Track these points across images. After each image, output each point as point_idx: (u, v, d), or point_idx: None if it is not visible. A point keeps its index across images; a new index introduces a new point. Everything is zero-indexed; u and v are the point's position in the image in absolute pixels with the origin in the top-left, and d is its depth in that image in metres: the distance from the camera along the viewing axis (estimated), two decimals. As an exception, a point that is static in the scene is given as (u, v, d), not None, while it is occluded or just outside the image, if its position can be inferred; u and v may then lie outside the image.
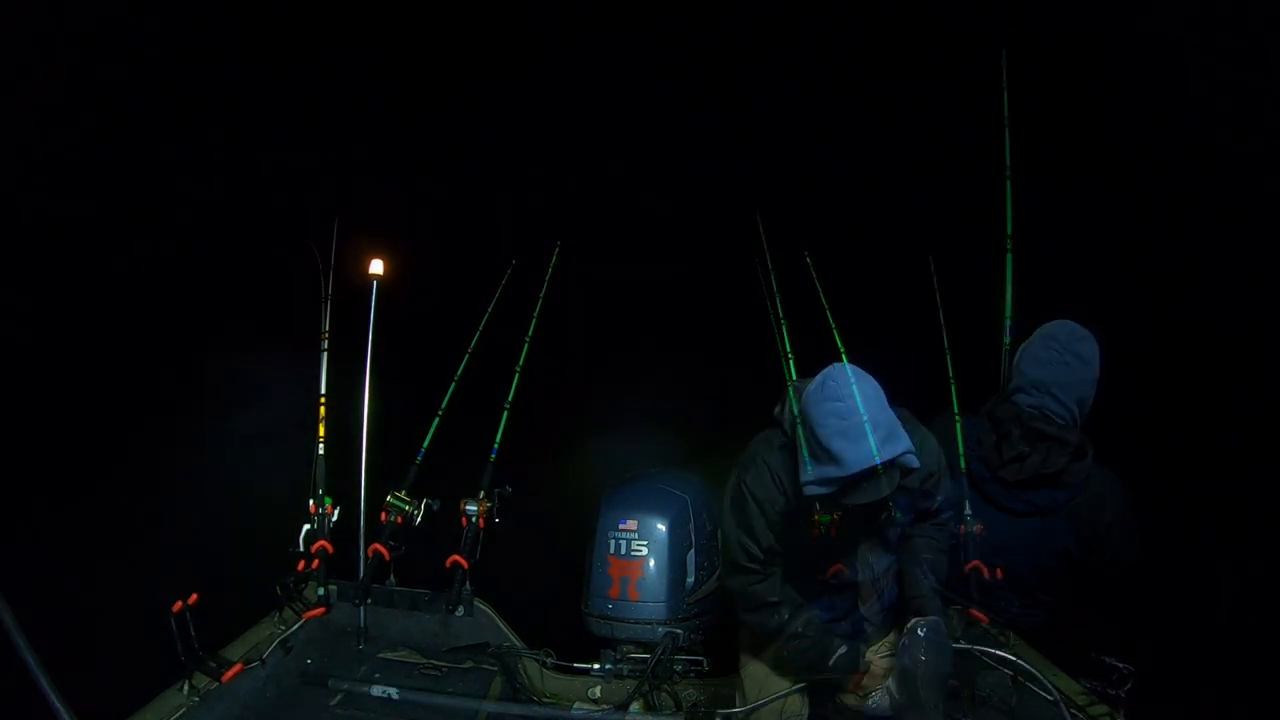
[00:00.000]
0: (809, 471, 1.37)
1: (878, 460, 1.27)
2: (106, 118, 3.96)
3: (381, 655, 2.29)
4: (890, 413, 1.36)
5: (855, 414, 1.29)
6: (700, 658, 2.22)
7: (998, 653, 1.77)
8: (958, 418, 2.69)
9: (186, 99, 4.18)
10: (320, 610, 2.34)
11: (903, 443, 1.32)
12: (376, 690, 1.91)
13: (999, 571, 2.39)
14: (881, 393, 1.39)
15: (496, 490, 2.50)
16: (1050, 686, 1.65)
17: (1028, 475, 1.79)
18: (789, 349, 2.66)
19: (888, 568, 1.67)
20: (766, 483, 1.56)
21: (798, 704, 1.75)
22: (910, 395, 1.70)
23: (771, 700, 1.70)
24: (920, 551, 1.65)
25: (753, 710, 1.73)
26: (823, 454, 1.33)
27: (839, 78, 4.53)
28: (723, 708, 1.78)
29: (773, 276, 2.87)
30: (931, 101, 4.29)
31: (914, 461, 1.33)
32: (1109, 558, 1.83)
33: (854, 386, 1.34)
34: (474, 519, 2.42)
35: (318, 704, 1.98)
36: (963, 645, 1.61)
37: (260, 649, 2.07)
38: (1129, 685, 1.67)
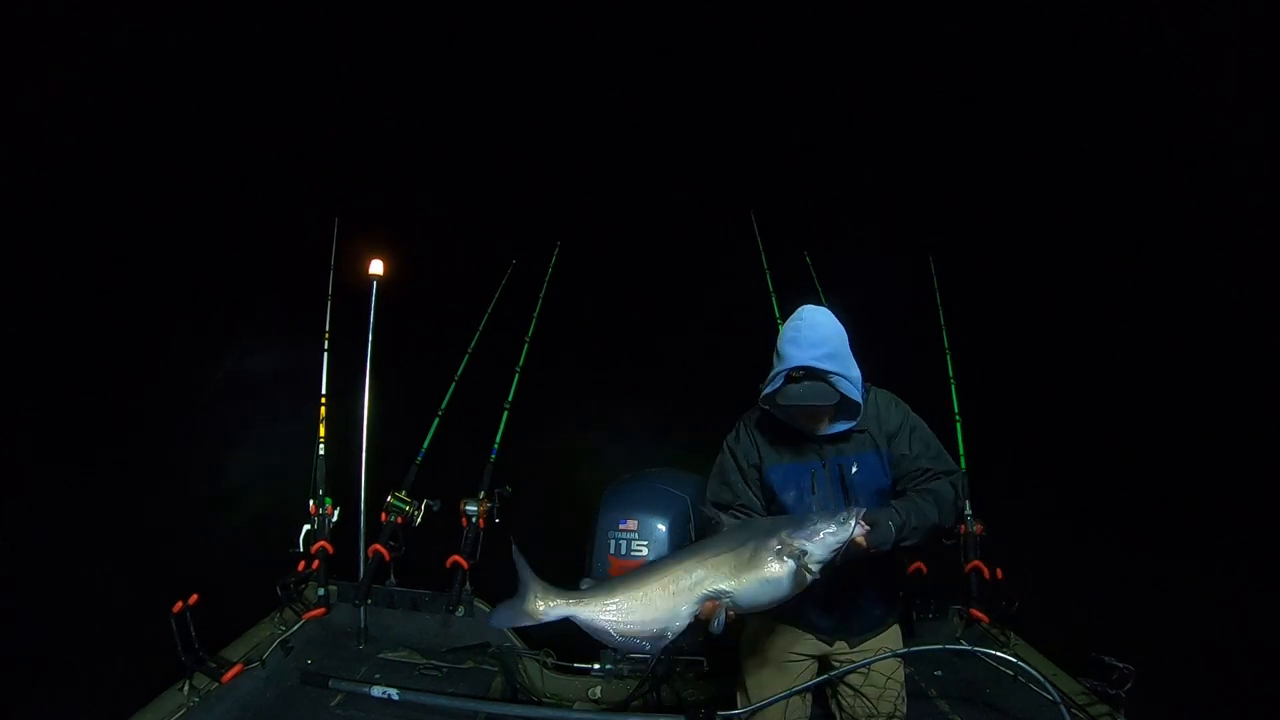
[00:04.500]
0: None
1: (808, 362, 1.47)
2: (107, 118, 3.96)
3: (382, 655, 2.29)
4: (844, 349, 1.55)
5: (809, 329, 1.53)
6: (700, 658, 2.22)
7: (998, 654, 1.77)
8: (958, 417, 2.71)
9: (187, 99, 4.18)
10: (320, 611, 2.35)
11: (840, 366, 1.50)
12: (377, 690, 1.90)
13: (999, 571, 2.40)
14: (842, 332, 1.57)
15: (496, 490, 2.50)
16: (1050, 686, 1.65)
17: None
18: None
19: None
20: (741, 436, 1.73)
21: (799, 704, 1.74)
22: (911, 395, 1.70)
23: (772, 701, 1.69)
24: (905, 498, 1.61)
25: (753, 711, 1.72)
26: (775, 358, 1.55)
27: (837, 77, 4.53)
28: (723, 708, 1.77)
29: (768, 276, 2.88)
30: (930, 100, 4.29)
31: (846, 387, 1.51)
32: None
33: (818, 314, 1.57)
34: (474, 519, 2.42)
35: (318, 704, 1.98)
36: (963, 645, 1.60)
37: (260, 649, 2.07)
38: (1129, 685, 1.67)
